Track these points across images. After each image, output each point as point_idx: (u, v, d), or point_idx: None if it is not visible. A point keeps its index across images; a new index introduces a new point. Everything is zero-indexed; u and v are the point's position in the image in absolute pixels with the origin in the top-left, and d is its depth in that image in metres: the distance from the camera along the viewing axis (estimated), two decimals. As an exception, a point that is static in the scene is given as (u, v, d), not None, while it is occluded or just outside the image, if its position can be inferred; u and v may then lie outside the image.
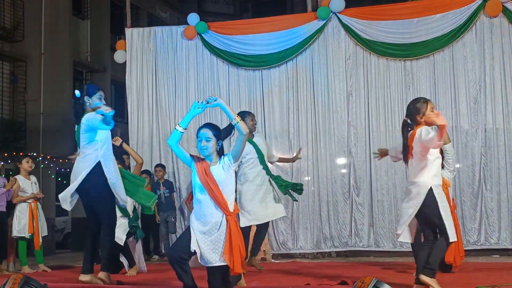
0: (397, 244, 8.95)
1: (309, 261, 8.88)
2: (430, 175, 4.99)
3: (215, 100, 4.55)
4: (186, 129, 4.60)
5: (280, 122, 9.63)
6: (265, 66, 9.70)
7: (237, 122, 4.51)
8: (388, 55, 9.29)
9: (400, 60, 9.27)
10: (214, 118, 9.40)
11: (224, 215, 4.54)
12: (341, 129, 9.38)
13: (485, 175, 8.91)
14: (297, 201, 8.30)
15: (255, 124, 6.98)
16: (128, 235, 7.02)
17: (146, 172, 9.65)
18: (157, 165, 9.69)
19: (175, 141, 4.59)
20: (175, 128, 4.60)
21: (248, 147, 6.67)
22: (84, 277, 5.69)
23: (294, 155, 8.21)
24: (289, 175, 9.38)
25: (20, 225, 8.02)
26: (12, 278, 4.29)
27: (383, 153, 5.95)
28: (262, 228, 7.01)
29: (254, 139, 6.88)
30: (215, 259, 4.52)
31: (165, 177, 9.72)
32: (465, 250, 8.65)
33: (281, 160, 8.07)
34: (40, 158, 14.02)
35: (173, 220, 9.66)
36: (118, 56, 10.34)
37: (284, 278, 6.33)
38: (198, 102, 4.58)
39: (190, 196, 9.54)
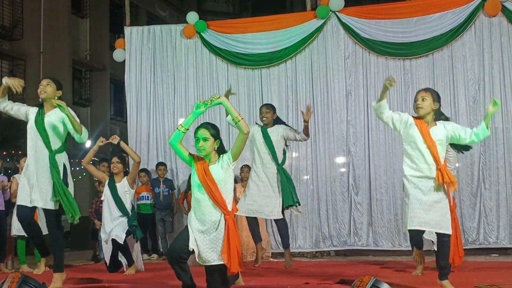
0: (396, 243, 8.97)
1: (308, 260, 8.89)
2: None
3: (218, 98, 4.56)
4: (188, 129, 4.61)
5: (279, 121, 9.61)
6: (264, 65, 9.70)
7: (238, 121, 4.51)
8: (387, 54, 9.29)
9: (399, 59, 9.27)
10: (213, 117, 9.41)
11: (223, 215, 4.55)
12: (340, 128, 9.38)
13: (484, 174, 8.91)
14: None
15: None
16: (127, 233, 7.01)
17: (144, 170, 9.66)
18: (160, 164, 9.69)
19: (177, 140, 4.61)
20: (177, 128, 4.60)
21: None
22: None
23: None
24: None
25: (19, 224, 8.00)
26: (11, 276, 4.29)
27: None
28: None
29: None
30: (214, 258, 4.53)
31: (165, 175, 9.72)
32: (464, 249, 8.69)
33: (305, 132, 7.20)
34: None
35: (170, 219, 9.65)
36: (117, 55, 10.34)
37: (283, 277, 6.33)
38: (200, 102, 4.58)
39: (183, 196, 9.55)
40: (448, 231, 4.93)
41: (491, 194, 8.86)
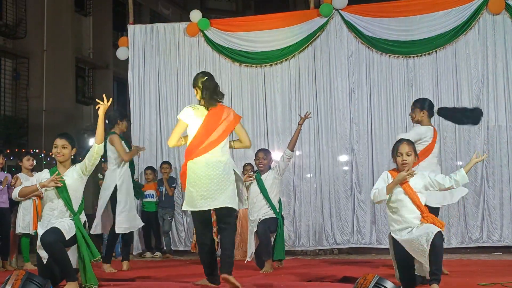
0: (399, 242, 8.95)
1: (311, 258, 8.88)
2: None
3: None
4: None
5: (282, 119, 9.63)
6: (268, 63, 9.70)
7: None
8: (390, 52, 9.28)
9: (402, 57, 9.26)
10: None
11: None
12: (344, 126, 9.37)
13: (488, 173, 8.90)
14: None
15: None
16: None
17: (150, 168, 9.67)
18: (164, 162, 9.70)
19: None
20: None
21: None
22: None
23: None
24: (291, 172, 9.39)
25: (24, 222, 8.02)
26: (15, 274, 4.31)
27: None
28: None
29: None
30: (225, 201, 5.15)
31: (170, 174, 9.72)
32: (468, 248, 8.74)
33: (292, 144, 7.14)
34: (42, 155, 14.05)
35: (169, 219, 9.62)
36: (121, 53, 10.35)
37: (285, 275, 6.33)
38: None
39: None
40: (435, 230, 4.65)
41: (494, 192, 8.85)
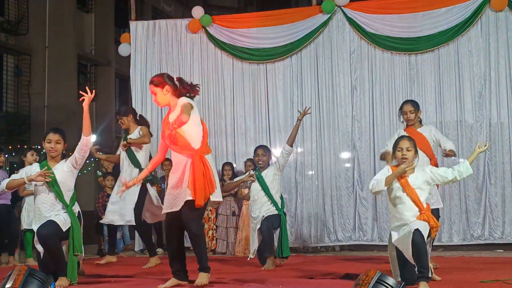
0: (400, 239, 8.95)
1: (312, 255, 8.88)
2: None
3: None
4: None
5: (284, 116, 9.62)
6: (270, 60, 9.69)
7: None
8: (392, 49, 9.26)
9: (405, 54, 9.24)
10: (218, 113, 9.44)
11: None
12: (345, 123, 9.37)
13: (490, 170, 8.89)
14: None
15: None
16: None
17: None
18: (165, 159, 9.68)
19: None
20: None
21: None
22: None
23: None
24: (292, 169, 9.39)
25: (29, 218, 8.01)
26: (17, 269, 4.32)
27: None
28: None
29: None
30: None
31: (171, 171, 9.71)
32: (469, 245, 8.74)
33: (291, 140, 7.09)
34: (44, 151, 14.06)
35: None
36: (123, 49, 10.35)
37: (287, 272, 6.33)
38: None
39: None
40: (414, 227, 4.64)
41: (496, 189, 8.85)
